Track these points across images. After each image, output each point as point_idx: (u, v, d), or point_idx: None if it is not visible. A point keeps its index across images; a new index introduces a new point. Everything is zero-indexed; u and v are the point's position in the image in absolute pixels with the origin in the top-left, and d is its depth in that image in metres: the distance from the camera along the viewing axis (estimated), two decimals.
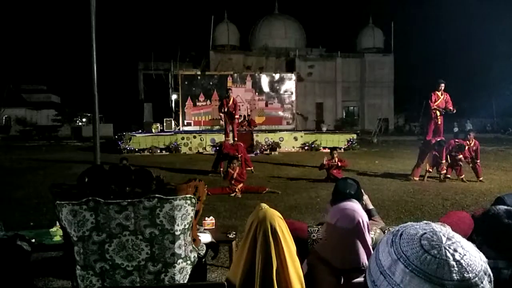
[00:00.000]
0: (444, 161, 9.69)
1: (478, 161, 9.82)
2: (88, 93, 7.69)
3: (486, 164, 11.71)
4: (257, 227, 1.56)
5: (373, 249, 1.92)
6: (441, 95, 10.15)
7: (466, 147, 9.77)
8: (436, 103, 10.12)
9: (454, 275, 0.71)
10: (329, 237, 1.68)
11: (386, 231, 2.23)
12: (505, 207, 1.77)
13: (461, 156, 9.70)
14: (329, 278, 1.62)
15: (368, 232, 1.69)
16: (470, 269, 0.72)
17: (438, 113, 10.17)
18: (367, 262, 1.59)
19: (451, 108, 10.14)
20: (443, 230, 0.78)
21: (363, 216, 1.69)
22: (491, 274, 0.74)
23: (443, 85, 10.12)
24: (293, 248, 1.59)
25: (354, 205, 1.74)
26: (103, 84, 8.95)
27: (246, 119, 18.81)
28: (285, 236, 1.57)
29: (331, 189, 2.50)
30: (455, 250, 0.74)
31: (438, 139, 9.87)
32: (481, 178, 9.65)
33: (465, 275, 0.71)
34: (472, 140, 10.01)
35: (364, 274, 1.59)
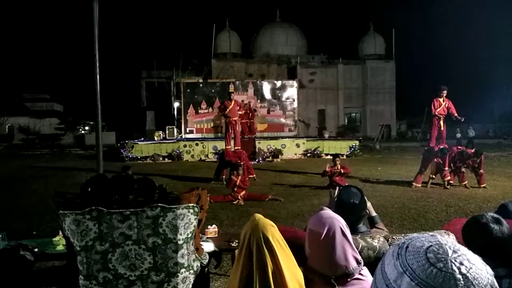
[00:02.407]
0: (447, 168, 9.64)
1: (481, 170, 9.76)
2: (91, 101, 7.71)
3: (489, 170, 11.66)
4: (250, 238, 1.56)
5: (377, 258, 1.92)
6: (443, 101, 10.15)
7: (470, 160, 9.70)
8: (438, 110, 10.12)
9: None
10: (314, 248, 1.66)
11: (389, 239, 2.22)
12: (491, 214, 1.76)
13: (461, 165, 9.66)
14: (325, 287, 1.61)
15: (347, 235, 1.67)
16: (477, 282, 0.72)
17: (441, 120, 10.18)
18: (355, 265, 1.61)
19: (458, 116, 10.18)
20: (449, 243, 0.78)
21: (340, 221, 1.68)
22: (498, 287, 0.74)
23: (445, 91, 10.12)
24: (290, 255, 1.59)
25: (330, 213, 1.73)
26: (106, 92, 8.98)
27: (248, 110, 18.96)
28: (280, 244, 1.56)
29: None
30: (461, 263, 0.74)
31: (441, 147, 9.85)
32: (483, 185, 9.59)
33: None
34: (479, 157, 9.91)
35: (354, 277, 1.61)
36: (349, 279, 1.61)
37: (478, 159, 9.71)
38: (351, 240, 1.66)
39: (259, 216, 1.66)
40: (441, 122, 10.26)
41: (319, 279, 1.61)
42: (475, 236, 1.71)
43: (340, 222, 1.66)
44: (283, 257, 1.54)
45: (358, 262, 1.64)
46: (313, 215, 1.75)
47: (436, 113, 10.16)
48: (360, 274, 1.64)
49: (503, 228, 1.67)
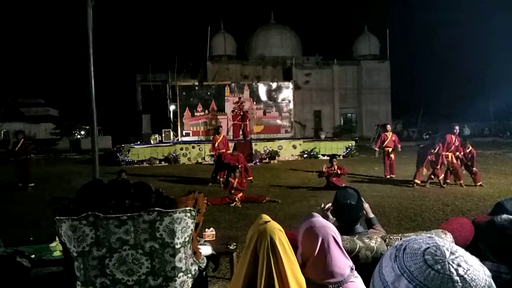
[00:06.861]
0: (439, 167, 9.69)
1: (474, 168, 9.84)
2: (86, 106, 7.70)
3: (485, 168, 11.72)
4: (257, 241, 1.55)
5: (375, 259, 1.91)
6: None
7: (453, 146, 9.82)
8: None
9: None
10: (309, 259, 1.66)
11: (387, 239, 2.21)
12: (510, 217, 1.79)
13: (457, 153, 9.77)
14: None
15: (339, 243, 1.68)
16: (474, 284, 0.72)
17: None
18: (349, 271, 1.62)
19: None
20: (447, 244, 0.78)
21: (332, 229, 1.68)
22: None
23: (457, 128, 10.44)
24: (295, 261, 1.58)
25: (321, 220, 1.72)
26: (101, 96, 8.96)
27: (241, 113, 19.05)
28: (285, 249, 1.55)
29: (331, 197, 2.50)
30: (458, 265, 0.73)
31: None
32: (479, 183, 9.65)
33: None
34: (469, 148, 10.06)
35: (347, 283, 1.62)
36: (344, 285, 1.62)
37: (470, 154, 9.93)
38: (342, 247, 1.67)
39: (267, 218, 1.64)
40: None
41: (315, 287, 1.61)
42: (492, 238, 1.75)
43: (332, 230, 1.67)
44: (288, 263, 1.54)
45: (351, 268, 1.65)
46: (303, 221, 1.74)
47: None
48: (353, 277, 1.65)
49: None
